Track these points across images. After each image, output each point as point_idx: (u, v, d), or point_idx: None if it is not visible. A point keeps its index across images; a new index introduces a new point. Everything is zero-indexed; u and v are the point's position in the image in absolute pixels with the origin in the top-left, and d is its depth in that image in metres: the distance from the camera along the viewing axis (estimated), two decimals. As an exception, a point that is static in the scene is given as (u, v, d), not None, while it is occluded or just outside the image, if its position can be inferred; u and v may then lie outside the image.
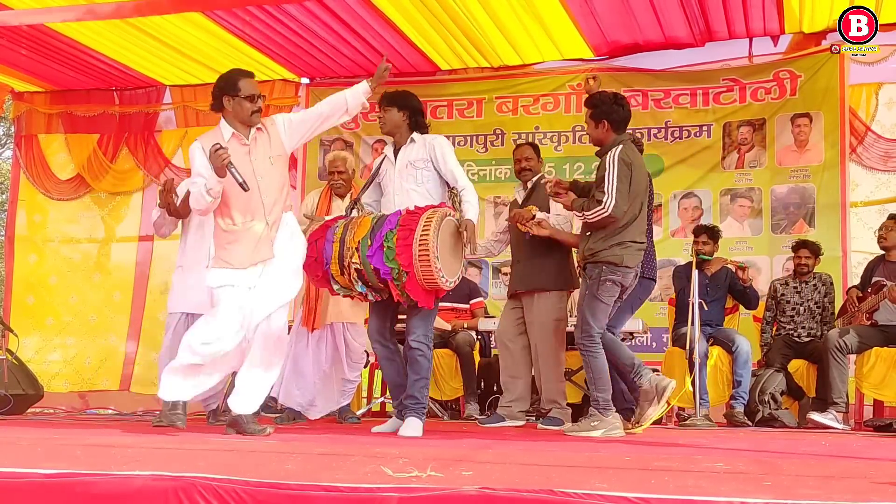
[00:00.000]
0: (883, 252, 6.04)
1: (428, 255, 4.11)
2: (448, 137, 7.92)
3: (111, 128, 8.35)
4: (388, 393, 6.79)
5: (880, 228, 6.05)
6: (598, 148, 4.81)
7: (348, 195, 5.48)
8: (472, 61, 7.71)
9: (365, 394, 7.04)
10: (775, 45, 7.19)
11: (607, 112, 4.69)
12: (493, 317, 6.64)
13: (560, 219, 5.27)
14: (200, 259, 4.82)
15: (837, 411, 5.61)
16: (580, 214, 4.67)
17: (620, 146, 4.64)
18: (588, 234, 4.69)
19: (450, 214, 4.33)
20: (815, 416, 5.55)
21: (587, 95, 5.14)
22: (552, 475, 2.46)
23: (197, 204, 4.21)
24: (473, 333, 6.53)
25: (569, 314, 5.50)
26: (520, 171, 5.57)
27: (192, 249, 5.19)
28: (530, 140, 6.77)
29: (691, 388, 5.54)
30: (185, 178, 5.66)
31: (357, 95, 4.38)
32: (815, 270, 6.34)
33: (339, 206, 5.44)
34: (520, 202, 5.54)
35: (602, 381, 4.58)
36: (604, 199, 4.50)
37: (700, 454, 3.37)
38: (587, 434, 4.46)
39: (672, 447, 3.85)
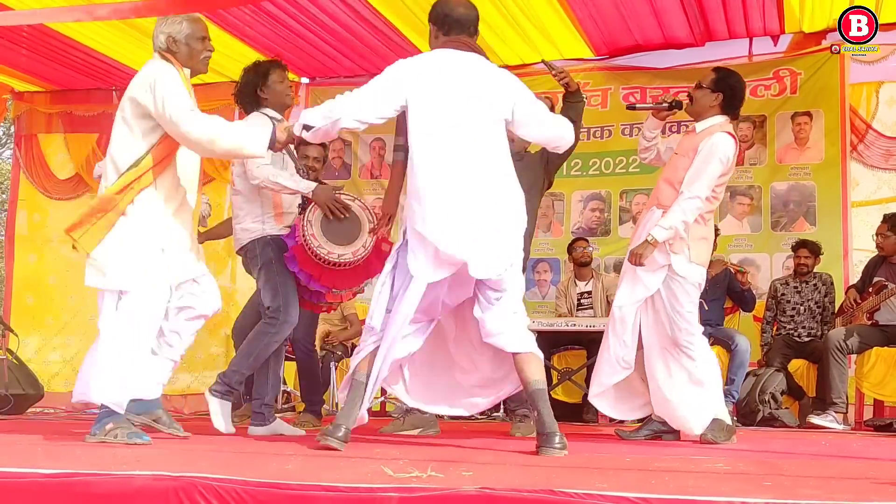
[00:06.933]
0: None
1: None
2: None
3: (110, 127, 8.31)
4: (387, 393, 6.80)
5: (876, 234, 6.02)
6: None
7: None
8: (471, 61, 7.69)
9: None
10: (775, 45, 7.18)
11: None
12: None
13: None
14: None
15: (837, 411, 5.61)
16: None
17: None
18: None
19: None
20: (815, 420, 5.54)
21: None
22: (552, 475, 2.46)
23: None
24: (473, 333, 6.51)
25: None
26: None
27: None
28: None
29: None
30: None
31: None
32: (815, 270, 6.33)
33: None
34: None
35: None
36: None
37: (700, 454, 3.37)
38: None
39: (672, 447, 3.85)
